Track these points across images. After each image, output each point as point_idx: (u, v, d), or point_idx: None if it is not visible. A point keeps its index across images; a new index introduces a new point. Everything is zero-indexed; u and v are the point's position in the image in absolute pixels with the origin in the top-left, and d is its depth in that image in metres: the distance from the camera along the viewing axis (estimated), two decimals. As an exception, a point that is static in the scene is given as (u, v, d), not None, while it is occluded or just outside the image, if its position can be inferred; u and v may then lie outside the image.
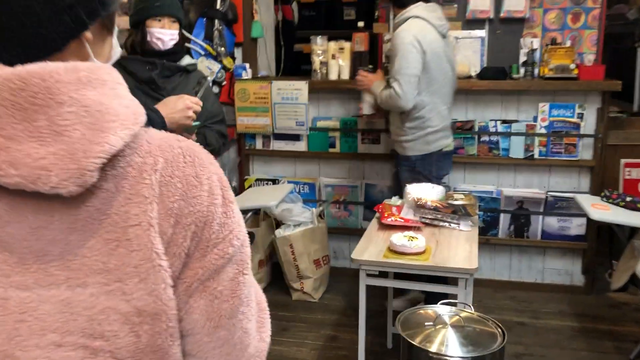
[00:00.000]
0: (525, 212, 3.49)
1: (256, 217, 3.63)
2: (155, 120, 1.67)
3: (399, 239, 2.16)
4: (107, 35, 0.77)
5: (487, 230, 3.55)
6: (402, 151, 2.99)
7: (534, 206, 3.47)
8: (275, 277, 3.79)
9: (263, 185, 3.84)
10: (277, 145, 3.82)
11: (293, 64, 5.12)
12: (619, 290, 2.76)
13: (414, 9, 2.82)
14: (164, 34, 2.06)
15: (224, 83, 3.61)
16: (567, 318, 3.28)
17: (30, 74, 0.62)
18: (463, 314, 1.45)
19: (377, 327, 3.14)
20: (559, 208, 3.43)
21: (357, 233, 3.78)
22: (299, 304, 3.51)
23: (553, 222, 3.47)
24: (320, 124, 3.73)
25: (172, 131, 1.80)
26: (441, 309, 1.48)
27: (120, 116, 0.67)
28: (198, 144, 0.79)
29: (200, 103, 1.88)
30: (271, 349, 3.10)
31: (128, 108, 0.70)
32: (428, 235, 2.37)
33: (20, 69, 0.63)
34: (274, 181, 3.82)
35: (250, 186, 3.83)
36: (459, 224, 2.46)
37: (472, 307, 1.55)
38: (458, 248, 2.23)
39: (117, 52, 0.80)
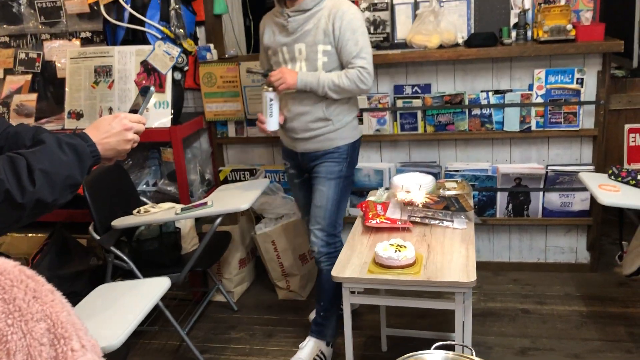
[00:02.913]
0: (524, 189, 3.21)
1: (234, 213, 3.33)
2: (82, 151, 1.35)
3: (384, 249, 1.88)
4: None
5: (483, 211, 3.28)
6: (328, 144, 2.57)
7: (533, 182, 3.18)
8: (260, 274, 3.53)
9: (240, 174, 3.54)
10: (252, 131, 3.50)
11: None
12: (632, 275, 2.51)
13: None
14: None
15: (187, 68, 3.27)
16: (575, 302, 3.04)
17: None
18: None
19: (370, 326, 2.90)
20: (561, 183, 3.15)
21: (344, 221, 3.52)
22: (286, 304, 3.26)
23: (554, 198, 3.20)
24: (297, 105, 3.40)
25: (108, 160, 1.48)
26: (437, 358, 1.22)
27: None
28: (12, 262, 0.48)
29: (145, 120, 1.53)
30: (255, 360, 2.71)
31: None
32: (418, 238, 2.09)
33: None
34: (252, 171, 3.51)
35: (225, 178, 3.53)
36: (452, 221, 2.18)
37: (473, 350, 1.29)
38: (453, 253, 1.96)
39: None
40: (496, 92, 3.13)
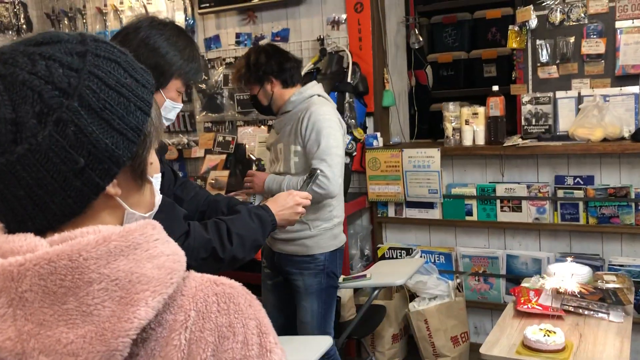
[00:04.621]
0: (700, 291, 2.99)
1: (389, 288, 3.54)
2: (265, 220, 1.69)
3: (533, 333, 1.95)
4: (143, 183, 0.75)
5: (652, 311, 3.10)
6: (304, 250, 2.51)
7: None
8: (411, 350, 3.63)
9: (397, 253, 3.75)
10: (410, 212, 3.73)
11: (430, 124, 5.03)
12: None
13: (315, 87, 2.58)
14: None
15: (355, 153, 3.64)
16: None
17: (58, 256, 0.61)
18: None
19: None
20: None
21: (499, 308, 3.52)
22: (435, 384, 3.32)
23: None
24: (455, 191, 3.58)
25: (281, 227, 1.81)
26: None
27: (152, 282, 0.65)
28: (240, 284, 0.74)
29: (310, 197, 1.87)
30: None
31: (161, 269, 0.67)
32: (570, 326, 2.12)
33: (49, 252, 0.62)
34: (408, 250, 3.71)
35: (383, 255, 3.77)
36: (608, 313, 2.17)
37: None
38: (606, 344, 1.96)
39: (158, 199, 0.79)
40: (667, 186, 3.03)
